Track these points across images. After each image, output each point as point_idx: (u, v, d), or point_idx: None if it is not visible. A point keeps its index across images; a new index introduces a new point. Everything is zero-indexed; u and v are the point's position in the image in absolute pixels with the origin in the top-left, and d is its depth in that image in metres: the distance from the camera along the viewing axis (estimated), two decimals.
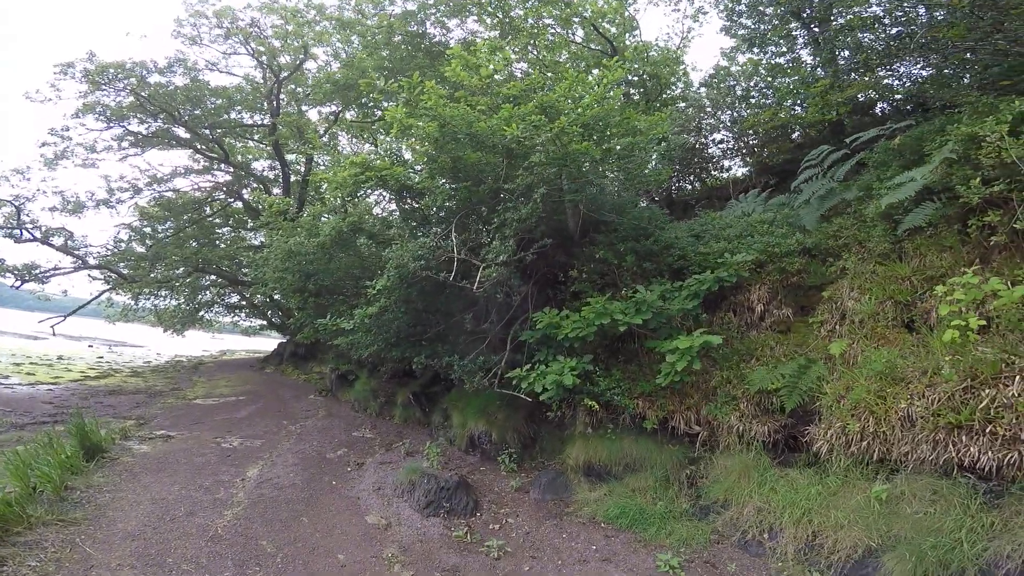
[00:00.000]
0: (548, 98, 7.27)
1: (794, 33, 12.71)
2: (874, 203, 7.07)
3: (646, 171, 9.35)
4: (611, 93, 8.18)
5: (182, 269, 16.86)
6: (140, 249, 17.32)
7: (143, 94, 15.41)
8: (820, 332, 6.92)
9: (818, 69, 11.95)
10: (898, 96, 11.35)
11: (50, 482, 6.11)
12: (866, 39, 10.00)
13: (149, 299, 19.79)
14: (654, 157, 9.07)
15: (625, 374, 7.01)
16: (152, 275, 16.12)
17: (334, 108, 17.33)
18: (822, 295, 7.25)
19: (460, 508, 6.37)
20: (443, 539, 5.79)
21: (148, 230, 17.80)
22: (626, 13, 14.07)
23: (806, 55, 12.92)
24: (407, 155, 9.06)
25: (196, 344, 28.59)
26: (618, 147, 7.35)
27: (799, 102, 12.80)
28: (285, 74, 16.22)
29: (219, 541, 5.36)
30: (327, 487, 7.16)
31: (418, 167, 8.49)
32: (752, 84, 14.32)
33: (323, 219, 10.44)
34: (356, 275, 11.89)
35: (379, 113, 15.36)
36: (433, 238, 7.10)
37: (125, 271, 16.45)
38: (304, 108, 17.81)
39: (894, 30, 9.30)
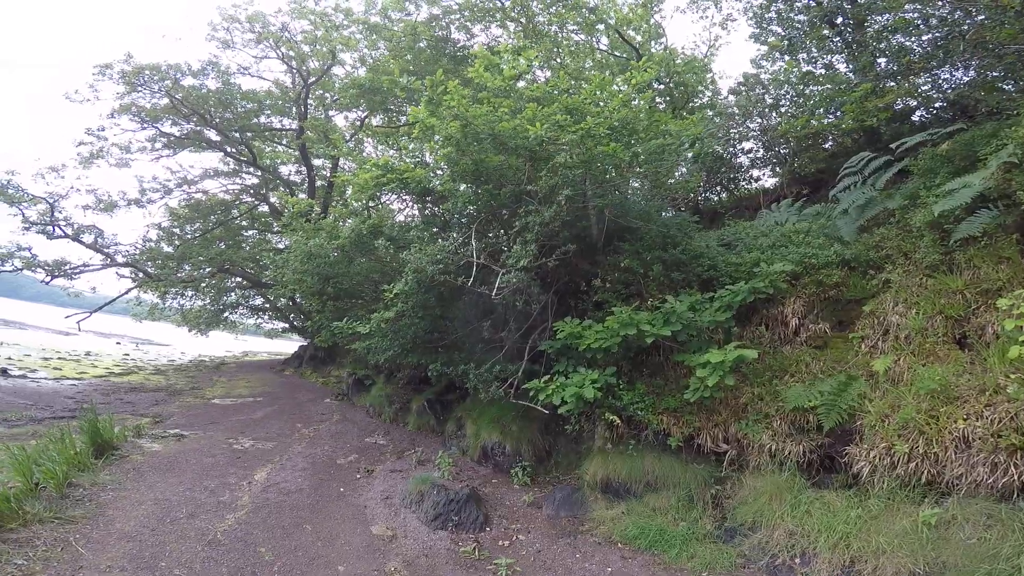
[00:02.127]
0: (574, 101, 6.96)
1: (827, 39, 12.23)
2: (922, 211, 6.58)
3: (673, 179, 8.97)
4: (639, 96, 7.85)
5: (207, 269, 16.93)
6: (168, 249, 17.48)
7: (177, 96, 15.61)
8: (861, 348, 6.43)
9: (851, 75, 11.46)
10: (937, 103, 10.74)
11: (53, 478, 5.94)
12: (907, 43, 9.49)
13: (176, 298, 19.95)
14: (688, 157, 8.65)
15: (650, 388, 6.59)
16: (178, 275, 16.21)
17: (360, 114, 17.36)
18: (863, 309, 6.75)
19: (469, 522, 6.00)
20: (449, 554, 5.43)
21: (176, 230, 17.98)
22: (652, 20, 13.76)
23: (839, 61, 12.43)
24: (428, 159, 8.83)
25: (220, 345, 28.89)
26: (645, 150, 6.94)
27: (833, 110, 12.27)
28: (313, 79, 16.30)
29: (217, 546, 5.09)
30: (334, 494, 6.87)
31: (439, 171, 8.23)
32: (783, 92, 13.79)
33: (345, 223, 10.27)
34: (375, 279, 11.68)
35: (404, 119, 15.29)
36: (452, 242, 6.81)
37: (152, 270, 16.59)
38: (331, 113, 17.90)
39: (934, 34, 8.78)
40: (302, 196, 16.84)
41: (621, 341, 5.99)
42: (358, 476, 7.69)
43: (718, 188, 15.47)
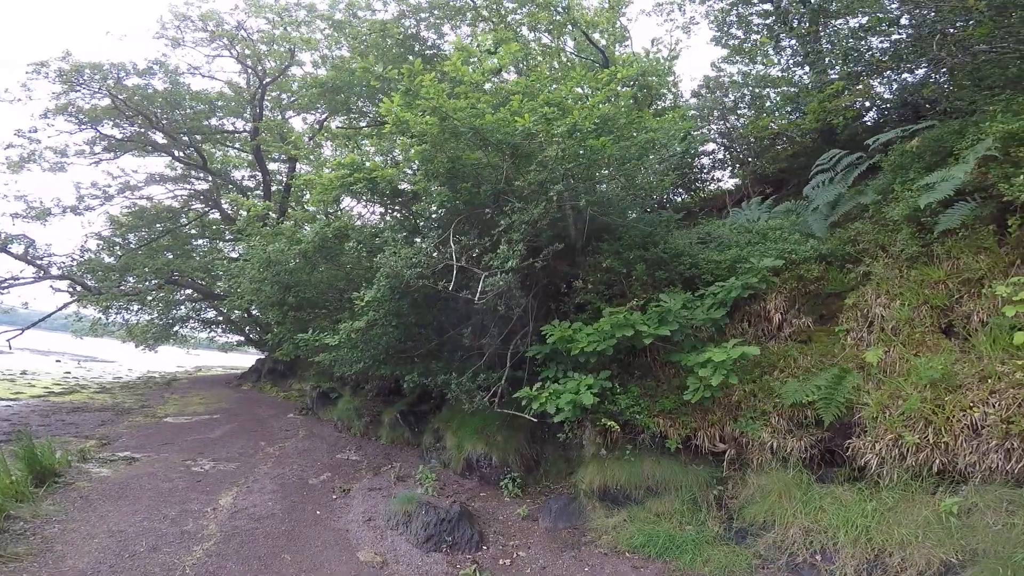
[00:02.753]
0: (555, 95, 6.67)
1: (783, 44, 12.54)
2: (900, 205, 6.63)
3: (643, 178, 8.82)
4: (618, 94, 7.66)
5: (153, 281, 15.69)
6: (109, 259, 16.12)
7: (120, 96, 14.44)
8: (847, 341, 6.39)
9: (805, 78, 11.80)
10: (888, 104, 11.10)
11: None
12: (867, 44, 9.77)
13: (120, 313, 18.46)
14: (677, 153, 8.52)
15: (643, 391, 6.34)
16: (120, 288, 14.93)
17: (319, 116, 16.59)
18: (844, 302, 6.75)
19: (464, 542, 5.56)
20: None
21: (118, 240, 16.61)
22: (617, 23, 13.73)
23: (796, 65, 12.78)
24: (399, 157, 8.33)
25: (170, 360, 27.09)
26: (635, 144, 6.72)
27: (792, 111, 12.55)
28: (269, 79, 15.45)
29: None
30: (311, 518, 6.27)
31: (410, 169, 7.76)
32: (740, 95, 14.04)
33: (305, 227, 9.59)
34: (340, 288, 11.07)
35: (364, 123, 14.67)
36: (429, 244, 6.36)
37: (91, 283, 15.22)
38: (288, 115, 17.02)
39: (902, 34, 9.05)
40: (257, 201, 15.91)
41: (615, 343, 5.70)
42: (334, 497, 7.10)
43: (680, 190, 15.60)
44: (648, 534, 5.36)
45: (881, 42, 8.86)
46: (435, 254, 6.33)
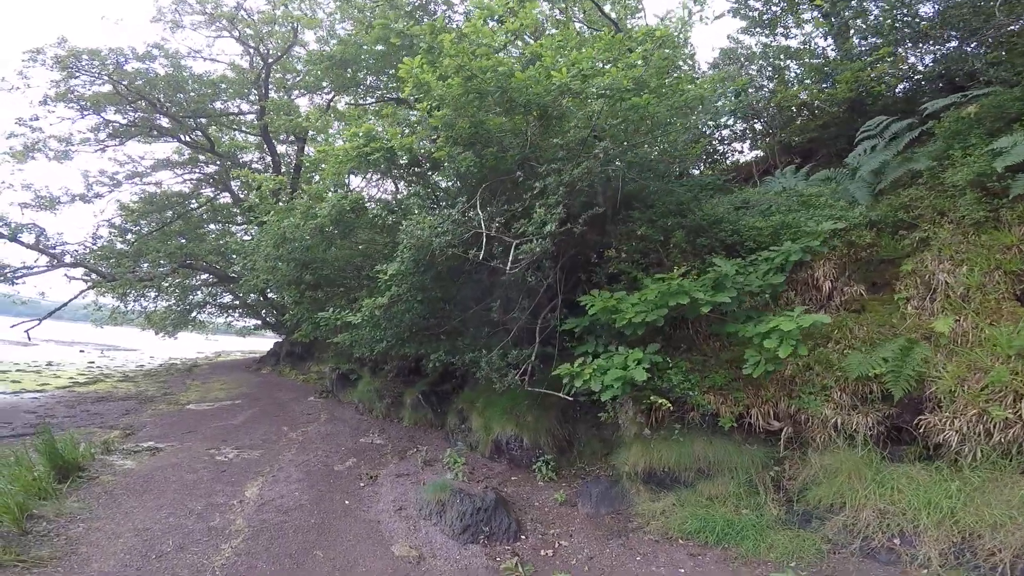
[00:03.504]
0: (587, 53, 6.03)
1: (804, 16, 11.96)
2: (963, 170, 6.11)
3: (682, 142, 8.21)
4: (652, 56, 7.00)
5: (167, 266, 15.27)
6: (121, 246, 15.70)
7: (121, 82, 13.85)
8: (907, 309, 5.84)
9: (829, 51, 11.23)
10: (919, 76, 10.50)
11: (7, 512, 4.83)
12: (904, 14, 9.18)
13: (137, 300, 18.16)
14: (726, 107, 7.95)
15: (691, 365, 5.83)
16: (135, 273, 14.53)
17: (325, 96, 15.91)
18: (900, 269, 6.22)
19: (501, 532, 5.16)
20: (490, 574, 4.56)
21: (130, 226, 16.16)
22: None
23: (817, 36, 12.21)
24: (416, 126, 7.72)
25: (190, 346, 26.99)
26: (683, 101, 6.10)
27: (818, 81, 11.86)
28: (273, 59, 14.75)
29: None
30: (340, 508, 5.91)
31: (428, 140, 7.17)
32: (759, 67, 13.32)
33: (325, 200, 9.05)
34: (358, 264, 10.61)
35: (371, 100, 14.00)
36: (458, 210, 5.83)
37: (106, 270, 14.84)
38: (294, 95, 16.34)
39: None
40: (270, 176, 15.31)
41: (666, 313, 5.19)
42: (361, 484, 6.73)
43: (699, 162, 14.92)
44: (703, 519, 4.95)
45: (926, 10, 8.17)
46: (463, 222, 5.78)
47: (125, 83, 13.97)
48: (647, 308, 5.26)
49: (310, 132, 15.87)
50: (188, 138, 16.35)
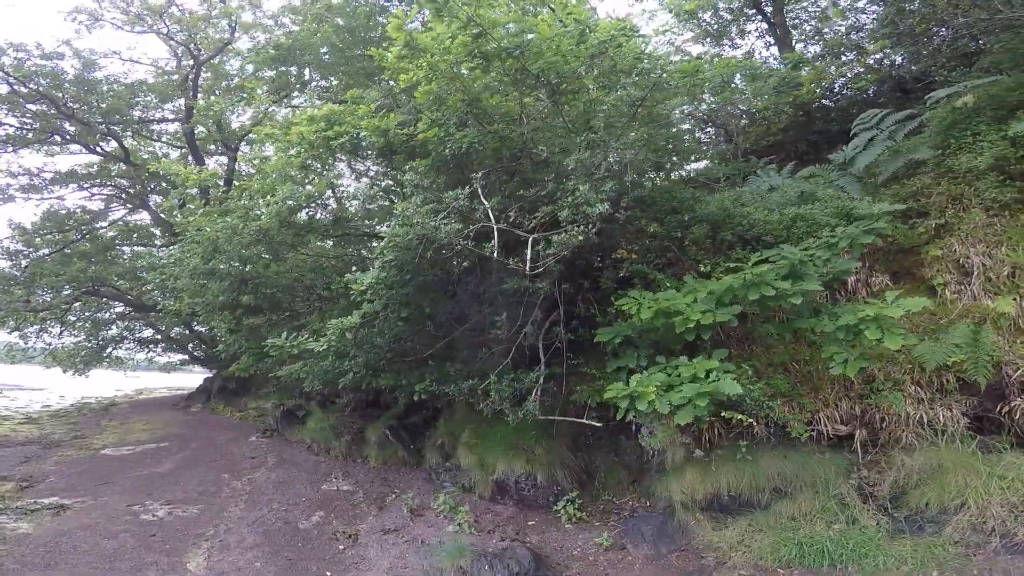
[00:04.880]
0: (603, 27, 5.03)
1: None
2: (982, 156, 5.89)
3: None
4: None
5: (67, 292, 12.59)
6: (10, 270, 12.83)
7: (13, 77, 11.37)
8: (944, 295, 5.37)
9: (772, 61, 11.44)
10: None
11: None
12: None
13: (39, 336, 15.18)
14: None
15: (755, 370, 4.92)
16: (27, 302, 11.81)
17: (260, 106, 14.05)
18: (924, 256, 5.81)
19: None
20: None
21: (22, 247, 13.31)
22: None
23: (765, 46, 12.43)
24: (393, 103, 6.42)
25: (108, 384, 23.23)
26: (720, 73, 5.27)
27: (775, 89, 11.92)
28: (205, 57, 12.74)
29: None
30: None
31: (409, 118, 5.87)
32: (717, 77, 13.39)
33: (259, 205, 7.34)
34: (307, 284, 8.96)
35: (318, 102, 12.42)
36: (465, 193, 4.57)
37: None
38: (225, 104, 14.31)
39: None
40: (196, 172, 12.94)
41: (739, 311, 4.21)
42: (340, 547, 5.21)
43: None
44: (800, 542, 4.21)
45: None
46: (467, 212, 4.53)
47: (25, 81, 11.48)
48: (715, 305, 4.26)
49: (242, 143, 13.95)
50: (99, 148, 13.82)
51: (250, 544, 5.16)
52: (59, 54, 12.26)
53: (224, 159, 14.86)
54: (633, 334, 4.88)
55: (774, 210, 6.64)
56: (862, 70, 9.98)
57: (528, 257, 4.43)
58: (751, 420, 4.50)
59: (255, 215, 6.33)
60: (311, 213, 6.36)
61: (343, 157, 6.46)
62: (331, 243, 10.16)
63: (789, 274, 4.39)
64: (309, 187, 5.97)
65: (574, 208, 4.38)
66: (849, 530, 4.26)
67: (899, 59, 9.94)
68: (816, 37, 11.98)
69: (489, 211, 4.63)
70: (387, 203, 7.32)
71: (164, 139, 15.08)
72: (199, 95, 13.70)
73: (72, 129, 13.07)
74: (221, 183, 9.04)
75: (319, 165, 6.50)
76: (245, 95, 11.92)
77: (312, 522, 5.87)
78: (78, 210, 14.38)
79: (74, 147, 14.07)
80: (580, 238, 4.32)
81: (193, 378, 20.87)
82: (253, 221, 6.17)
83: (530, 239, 4.56)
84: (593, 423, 5.12)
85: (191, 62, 12.87)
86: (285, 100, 13.15)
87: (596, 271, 6.58)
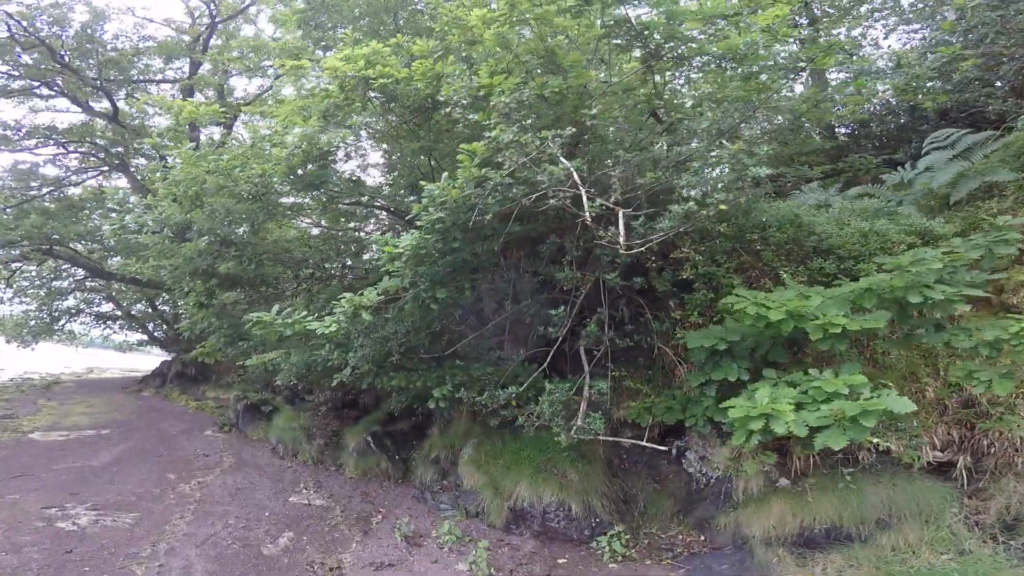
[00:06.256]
0: None
1: None
2: None
3: None
4: None
5: (18, 251, 10.75)
6: None
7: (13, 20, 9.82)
8: None
9: None
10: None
11: None
12: None
13: None
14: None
15: None
16: None
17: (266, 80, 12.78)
18: (1008, 280, 4.97)
19: None
20: None
21: None
22: None
23: None
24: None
25: (57, 360, 20.61)
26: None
27: None
28: (221, 19, 11.45)
29: None
30: None
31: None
32: None
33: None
34: (298, 260, 7.68)
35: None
36: (566, 138, 3.46)
37: None
38: (233, 74, 12.98)
39: None
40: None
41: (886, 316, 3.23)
42: None
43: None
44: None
45: None
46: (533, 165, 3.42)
47: (28, 24, 9.91)
48: (841, 311, 3.23)
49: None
50: (87, 104, 12.17)
51: (199, 573, 3.72)
52: (69, 4, 10.79)
53: (219, 128, 13.42)
54: (738, 341, 3.80)
55: (847, 224, 5.84)
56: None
57: (621, 232, 3.33)
58: (882, 443, 3.66)
59: (264, 155, 5.02)
60: (323, 165, 5.09)
61: (374, 111, 5.27)
62: (325, 221, 8.89)
63: (938, 279, 3.46)
64: (331, 131, 4.75)
65: (697, 175, 3.34)
66: (963, 560, 3.56)
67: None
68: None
69: (574, 173, 3.52)
70: (413, 178, 6.13)
71: (157, 103, 13.50)
72: (204, 66, 12.39)
73: (61, 82, 11.45)
74: (221, 126, 7.75)
75: (339, 117, 5.28)
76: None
77: (280, 546, 4.43)
78: (48, 164, 12.59)
79: (60, 104, 12.45)
80: (723, 207, 3.28)
81: (151, 360, 18.74)
82: (257, 164, 4.86)
83: (620, 212, 3.47)
84: (660, 447, 3.98)
85: (207, 21, 11.55)
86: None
87: (645, 271, 5.52)
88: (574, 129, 3.51)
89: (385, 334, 4.75)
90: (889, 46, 9.64)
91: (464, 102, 4.03)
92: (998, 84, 8.11)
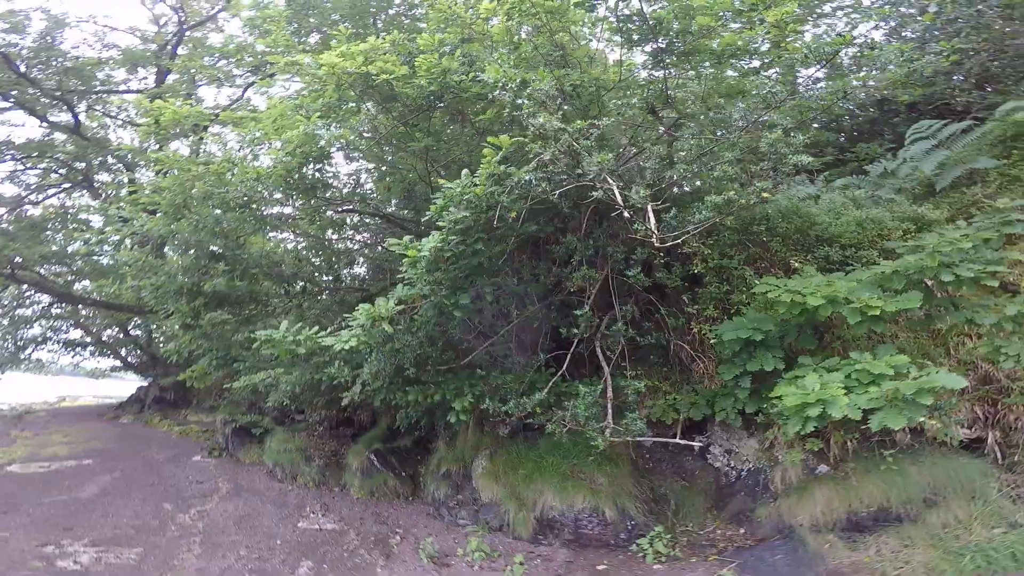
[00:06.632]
0: None
1: None
2: None
3: None
4: None
5: None
6: None
7: None
8: None
9: None
10: None
11: None
12: None
13: None
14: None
15: None
16: None
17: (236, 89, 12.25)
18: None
19: None
20: None
21: None
22: None
23: None
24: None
25: (26, 389, 19.36)
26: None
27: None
28: (190, 24, 10.88)
29: None
30: None
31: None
32: None
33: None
34: (288, 275, 7.39)
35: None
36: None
37: None
38: (198, 85, 12.39)
39: None
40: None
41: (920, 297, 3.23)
42: None
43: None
44: (970, 551, 3.34)
45: None
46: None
47: None
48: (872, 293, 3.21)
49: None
50: (46, 118, 11.39)
51: None
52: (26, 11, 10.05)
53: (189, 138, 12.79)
54: (770, 330, 3.73)
55: (841, 214, 5.91)
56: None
57: (652, 223, 3.21)
58: (918, 424, 3.59)
59: (247, 162, 4.71)
60: (320, 168, 4.83)
61: (367, 113, 5.02)
62: (314, 231, 8.53)
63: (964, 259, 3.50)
64: (333, 130, 4.48)
65: (732, 164, 3.26)
66: (1019, 533, 3.51)
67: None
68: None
69: (594, 164, 3.38)
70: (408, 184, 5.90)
71: (122, 116, 12.80)
72: (170, 76, 11.78)
73: (17, 93, 10.68)
74: (205, 129, 7.32)
75: (337, 116, 5.02)
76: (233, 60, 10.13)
77: None
78: (5, 181, 11.74)
79: (16, 117, 11.60)
80: (767, 195, 3.20)
81: (126, 386, 17.79)
82: (252, 168, 4.56)
83: (648, 206, 3.35)
84: (692, 442, 3.89)
85: (174, 28, 10.98)
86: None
87: (651, 267, 5.44)
88: (608, 119, 3.40)
89: (398, 347, 4.51)
90: (884, 37, 9.83)
91: (513, 85, 3.80)
92: (961, 77, 8.46)
